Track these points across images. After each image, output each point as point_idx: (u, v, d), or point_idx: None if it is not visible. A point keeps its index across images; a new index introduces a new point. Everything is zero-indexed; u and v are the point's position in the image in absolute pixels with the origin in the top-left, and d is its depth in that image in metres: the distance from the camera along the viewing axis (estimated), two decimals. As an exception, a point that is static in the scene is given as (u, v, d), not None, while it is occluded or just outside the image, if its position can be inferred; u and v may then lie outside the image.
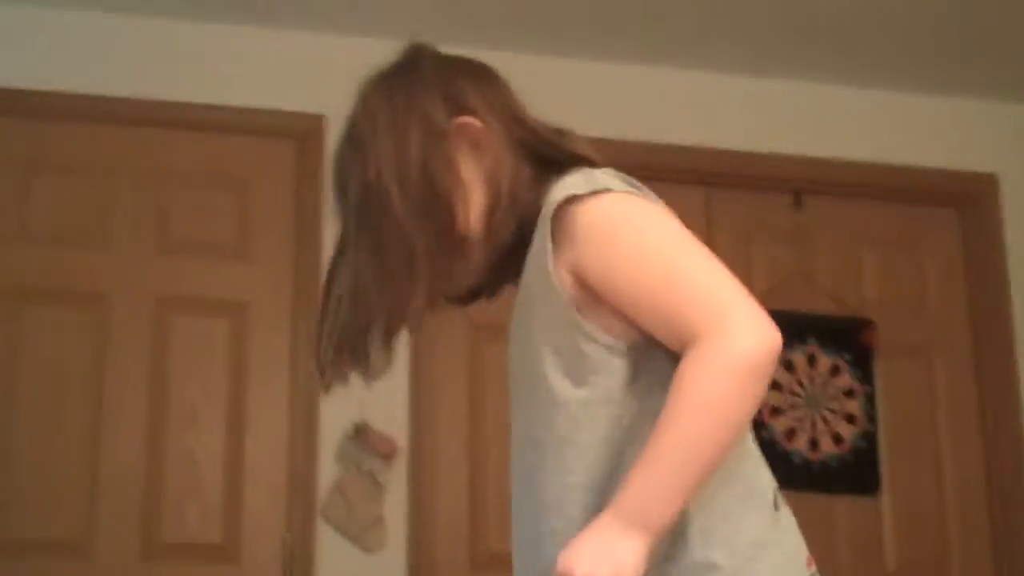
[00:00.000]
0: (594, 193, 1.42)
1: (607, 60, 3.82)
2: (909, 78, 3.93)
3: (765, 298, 4.08)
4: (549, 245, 1.43)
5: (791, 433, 3.76)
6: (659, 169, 3.78)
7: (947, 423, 3.89)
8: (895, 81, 3.94)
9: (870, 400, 3.85)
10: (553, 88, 3.78)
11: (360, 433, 3.41)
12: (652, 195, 1.48)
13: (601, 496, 1.40)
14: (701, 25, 3.66)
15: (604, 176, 1.46)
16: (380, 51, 3.81)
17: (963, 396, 3.91)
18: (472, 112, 1.55)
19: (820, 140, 3.90)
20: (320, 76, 3.64)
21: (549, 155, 1.55)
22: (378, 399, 3.38)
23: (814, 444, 3.78)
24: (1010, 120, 4.06)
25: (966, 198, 4.02)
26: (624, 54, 3.80)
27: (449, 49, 1.64)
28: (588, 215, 1.42)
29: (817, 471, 3.76)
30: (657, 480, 1.33)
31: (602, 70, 3.83)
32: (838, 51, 3.80)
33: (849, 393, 3.84)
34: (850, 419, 3.82)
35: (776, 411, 3.77)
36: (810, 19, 3.62)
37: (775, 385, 3.78)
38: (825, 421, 3.80)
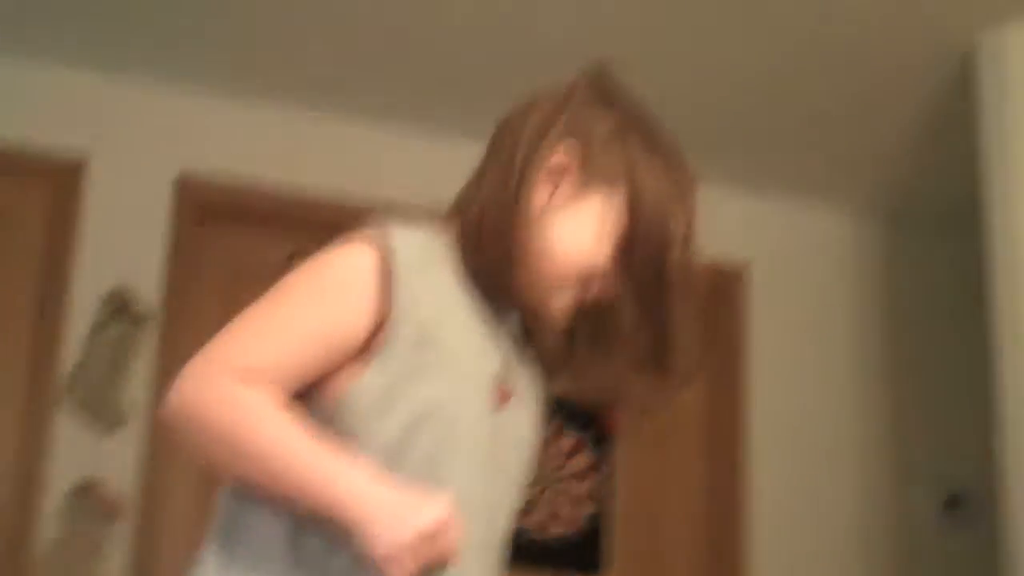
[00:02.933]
0: None
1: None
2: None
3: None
4: None
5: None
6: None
7: (677, 507, 4.03)
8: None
9: (605, 481, 3.96)
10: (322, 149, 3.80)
11: (86, 491, 3.36)
12: None
13: None
14: (468, 92, 3.72)
15: None
16: (145, 91, 3.70)
17: (694, 481, 4.06)
18: None
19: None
20: (81, 116, 3.59)
21: None
22: (108, 454, 3.36)
23: (545, 522, 3.87)
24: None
25: (709, 290, 4.11)
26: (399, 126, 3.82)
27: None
28: None
29: (541, 549, 3.85)
30: None
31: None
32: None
33: (585, 473, 3.94)
34: (582, 499, 3.92)
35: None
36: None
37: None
38: (558, 499, 3.90)
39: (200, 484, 3.53)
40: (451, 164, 3.74)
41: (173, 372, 3.38)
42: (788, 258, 4.20)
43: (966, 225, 3.50)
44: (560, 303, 1.55)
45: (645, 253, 1.52)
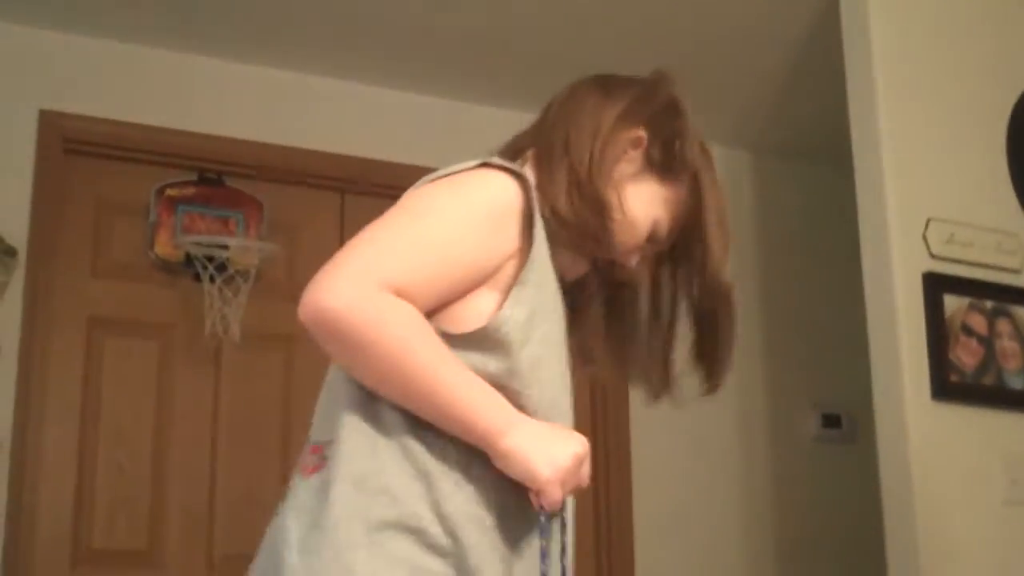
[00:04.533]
0: None
1: (238, 61, 3.79)
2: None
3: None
4: None
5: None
6: (296, 173, 3.82)
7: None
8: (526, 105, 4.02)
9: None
10: (189, 86, 3.74)
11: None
12: None
13: None
14: (339, 34, 3.67)
15: None
16: (6, 29, 3.56)
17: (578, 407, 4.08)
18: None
19: (453, 154, 3.94)
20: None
21: None
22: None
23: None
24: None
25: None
26: (263, 58, 3.78)
27: None
28: None
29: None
30: None
31: (234, 70, 3.80)
32: (476, 70, 3.89)
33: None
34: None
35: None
36: (450, 40, 3.67)
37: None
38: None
39: (72, 418, 3.48)
40: (309, 98, 3.82)
41: (40, 307, 3.39)
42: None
43: (837, 154, 3.55)
44: (622, 255, 1.68)
45: (684, 251, 1.69)
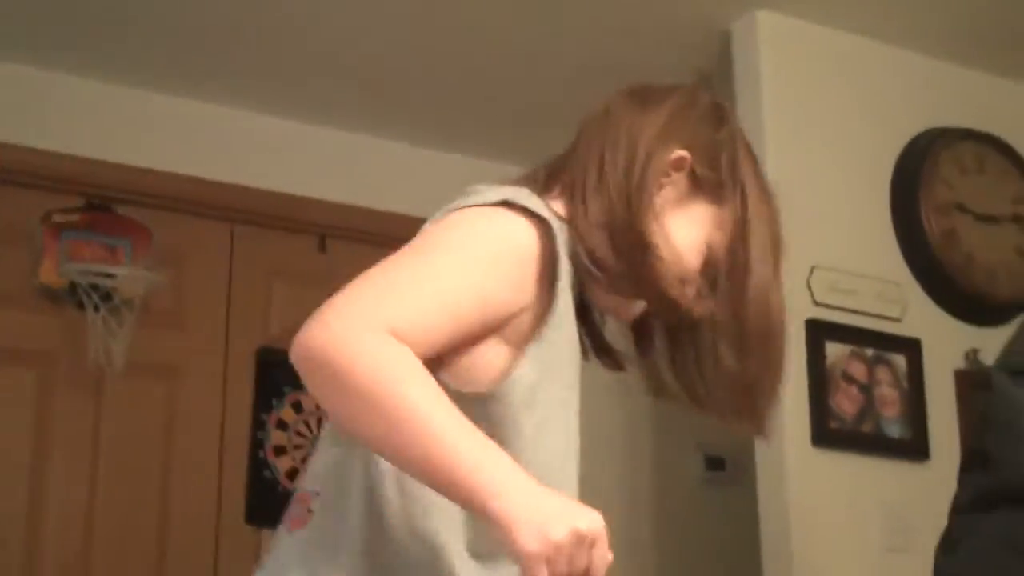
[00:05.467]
0: None
1: (129, 85, 3.74)
2: (435, 136, 4.05)
3: (284, 338, 4.01)
4: None
5: (293, 473, 3.81)
6: (185, 201, 3.77)
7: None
8: (421, 137, 4.05)
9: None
10: (77, 110, 3.69)
11: None
12: None
13: None
14: (232, 61, 3.64)
15: None
16: None
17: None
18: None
19: (346, 187, 3.94)
20: None
21: None
22: None
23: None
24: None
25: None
26: (155, 83, 3.74)
27: None
28: None
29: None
30: None
31: (124, 95, 3.74)
32: (370, 102, 3.88)
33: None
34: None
35: (280, 450, 3.81)
36: (345, 69, 3.67)
37: (282, 424, 3.83)
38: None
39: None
40: (201, 126, 3.78)
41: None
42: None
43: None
44: (677, 296, 1.52)
45: (737, 276, 1.54)
